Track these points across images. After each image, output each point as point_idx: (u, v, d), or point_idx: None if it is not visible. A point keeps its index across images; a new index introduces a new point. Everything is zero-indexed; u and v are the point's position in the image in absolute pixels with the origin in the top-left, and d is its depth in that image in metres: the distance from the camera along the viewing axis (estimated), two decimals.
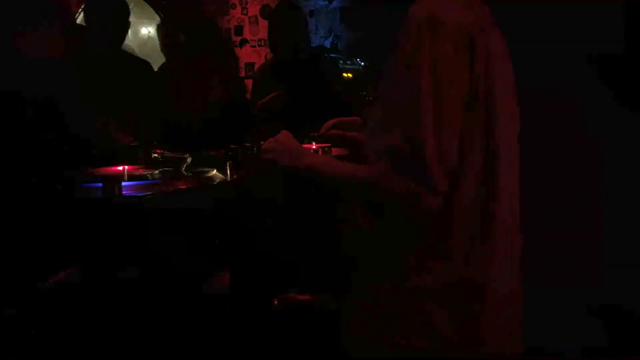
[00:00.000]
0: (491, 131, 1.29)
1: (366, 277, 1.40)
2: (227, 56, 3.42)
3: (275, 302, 2.19)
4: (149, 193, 1.90)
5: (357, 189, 1.37)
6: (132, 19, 3.04)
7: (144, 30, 4.92)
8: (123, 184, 1.86)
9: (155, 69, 3.17)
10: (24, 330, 1.84)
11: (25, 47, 2.26)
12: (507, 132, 1.34)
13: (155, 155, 2.17)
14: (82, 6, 3.03)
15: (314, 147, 2.55)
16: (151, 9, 4.70)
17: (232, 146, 2.11)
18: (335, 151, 2.55)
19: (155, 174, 2.10)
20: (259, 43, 5.60)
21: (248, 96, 3.40)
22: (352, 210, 1.52)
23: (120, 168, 2.08)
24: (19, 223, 1.91)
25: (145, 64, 3.10)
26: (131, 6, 3.11)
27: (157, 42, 3.32)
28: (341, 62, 4.37)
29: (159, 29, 3.37)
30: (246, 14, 5.70)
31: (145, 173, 2.09)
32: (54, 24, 2.38)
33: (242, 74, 5.29)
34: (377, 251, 1.38)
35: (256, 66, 5.09)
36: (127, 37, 3.06)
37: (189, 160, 2.15)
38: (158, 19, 3.57)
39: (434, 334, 1.29)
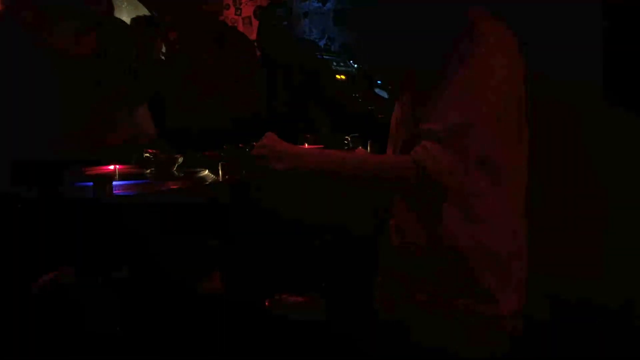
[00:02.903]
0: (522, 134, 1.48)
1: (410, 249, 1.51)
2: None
3: (267, 304, 2.18)
4: (140, 193, 1.89)
5: (387, 173, 1.43)
6: (124, 18, 3.03)
7: None
8: (114, 183, 1.85)
9: None
10: (17, 332, 1.83)
11: (54, 43, 2.25)
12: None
13: (147, 154, 2.16)
14: None
15: (306, 146, 2.54)
16: (144, 9, 4.68)
17: (224, 147, 2.11)
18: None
19: (147, 173, 2.09)
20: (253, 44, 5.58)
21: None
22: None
23: (112, 167, 2.07)
24: (8, 223, 1.90)
25: None
26: (124, 5, 3.10)
27: None
28: (334, 63, 4.37)
29: None
30: (240, 15, 5.70)
31: (137, 172, 2.08)
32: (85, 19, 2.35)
33: None
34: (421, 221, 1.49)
35: None
36: None
37: (180, 160, 2.14)
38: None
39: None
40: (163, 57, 3.13)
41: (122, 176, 2.02)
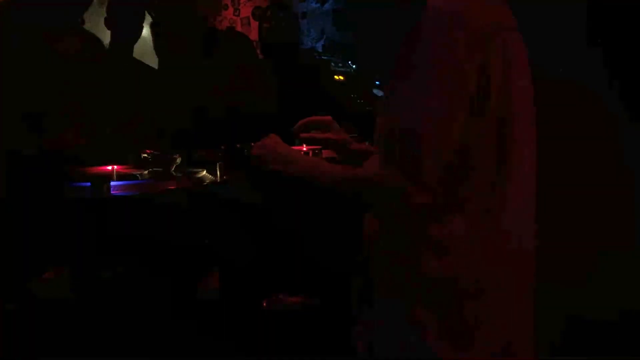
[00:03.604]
0: (504, 138, 1.23)
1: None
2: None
3: (265, 304, 2.18)
4: (138, 193, 1.89)
5: (350, 189, 1.35)
6: None
7: None
8: (112, 183, 1.85)
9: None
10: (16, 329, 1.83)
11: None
12: (523, 140, 1.28)
13: (145, 155, 2.15)
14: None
15: (304, 149, 2.54)
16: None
17: (222, 147, 2.10)
18: (325, 153, 2.54)
19: (145, 174, 2.09)
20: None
21: None
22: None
23: (109, 168, 2.06)
24: (7, 222, 1.90)
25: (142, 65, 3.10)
26: None
27: (149, 42, 3.30)
28: (333, 64, 4.37)
29: None
30: (238, 15, 5.69)
31: (135, 173, 2.08)
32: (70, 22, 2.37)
33: None
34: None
35: None
36: None
37: (178, 160, 2.14)
38: (150, 19, 3.57)
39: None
40: (159, 58, 3.14)
41: (120, 176, 2.01)
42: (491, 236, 1.26)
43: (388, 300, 1.33)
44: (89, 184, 1.82)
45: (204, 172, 2.12)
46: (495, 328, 1.28)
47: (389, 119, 1.25)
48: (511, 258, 1.30)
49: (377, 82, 3.95)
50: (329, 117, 1.67)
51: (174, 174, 2.11)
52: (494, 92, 1.20)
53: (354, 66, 4.48)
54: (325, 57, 4.62)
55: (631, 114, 2.28)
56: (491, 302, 1.28)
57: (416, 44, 1.21)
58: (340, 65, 4.41)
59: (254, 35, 5.49)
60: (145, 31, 4.13)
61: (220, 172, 2.07)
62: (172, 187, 2.00)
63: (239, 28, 5.65)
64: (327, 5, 5.50)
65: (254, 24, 5.44)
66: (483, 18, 1.21)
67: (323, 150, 2.60)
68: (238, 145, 2.04)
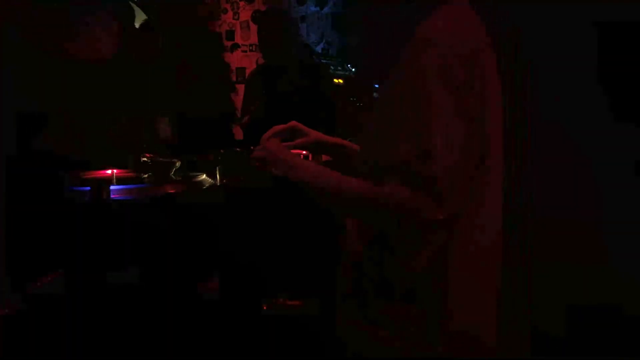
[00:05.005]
0: (485, 148, 1.29)
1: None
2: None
3: (265, 308, 2.18)
4: (138, 197, 1.89)
5: (359, 207, 1.34)
6: None
7: None
8: (111, 187, 1.85)
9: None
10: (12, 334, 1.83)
11: (74, 48, 2.25)
12: (498, 148, 1.34)
13: (145, 159, 2.16)
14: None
15: (304, 152, 2.54)
16: (141, 12, 4.69)
17: (221, 151, 2.11)
18: (325, 157, 2.55)
19: (144, 178, 2.09)
20: (250, 48, 5.60)
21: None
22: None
23: (109, 171, 2.07)
24: (5, 224, 1.90)
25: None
26: None
27: None
28: (332, 67, 4.38)
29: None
30: (237, 19, 5.70)
31: (134, 177, 2.09)
32: (111, 24, 2.35)
33: (233, 79, 5.29)
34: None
35: (247, 71, 5.11)
36: None
37: (178, 164, 2.15)
38: None
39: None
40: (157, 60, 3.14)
41: (120, 180, 2.02)
42: (463, 233, 1.29)
43: (356, 299, 1.37)
44: (88, 187, 1.82)
45: (204, 176, 2.13)
46: (462, 321, 1.30)
47: (394, 143, 1.26)
48: (481, 252, 1.33)
49: (376, 86, 3.96)
50: (292, 123, 1.66)
51: (174, 177, 2.11)
52: (476, 106, 1.26)
53: (353, 69, 4.49)
54: (324, 61, 4.63)
55: (616, 114, 2.28)
56: (459, 295, 1.30)
57: (410, 69, 1.26)
58: (339, 68, 4.43)
59: (253, 38, 5.52)
60: None
61: (219, 175, 2.08)
62: (172, 191, 2.00)
63: (238, 32, 5.67)
64: (326, 9, 5.52)
65: (254, 28, 5.46)
66: (469, 38, 1.30)
67: (322, 154, 2.60)
68: (237, 149, 2.05)
